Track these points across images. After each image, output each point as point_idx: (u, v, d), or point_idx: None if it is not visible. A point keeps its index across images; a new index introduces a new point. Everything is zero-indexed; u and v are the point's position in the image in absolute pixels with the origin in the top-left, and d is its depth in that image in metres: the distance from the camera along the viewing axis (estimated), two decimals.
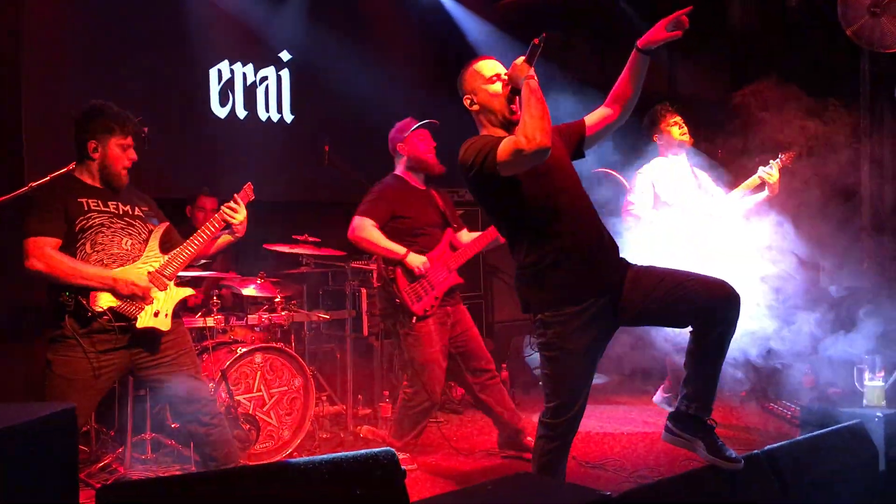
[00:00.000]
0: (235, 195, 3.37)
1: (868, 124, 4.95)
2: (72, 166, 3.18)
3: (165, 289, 3.18)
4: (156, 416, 4.38)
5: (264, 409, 4.30)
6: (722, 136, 5.19)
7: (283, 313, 4.62)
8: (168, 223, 3.38)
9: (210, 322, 4.36)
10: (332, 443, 4.65)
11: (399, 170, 4.26)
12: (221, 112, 5.78)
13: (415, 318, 3.99)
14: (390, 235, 4.05)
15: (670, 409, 4.83)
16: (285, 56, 6.09)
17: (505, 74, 2.78)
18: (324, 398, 4.85)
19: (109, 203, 3.17)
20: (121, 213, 3.19)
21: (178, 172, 5.32)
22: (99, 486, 3.62)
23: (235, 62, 5.83)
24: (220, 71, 5.76)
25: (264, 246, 4.73)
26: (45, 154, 4.57)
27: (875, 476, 3.10)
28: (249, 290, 4.63)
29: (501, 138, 2.64)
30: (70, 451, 2.14)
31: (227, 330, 4.57)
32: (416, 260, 3.99)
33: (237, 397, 4.12)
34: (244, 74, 5.88)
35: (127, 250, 3.13)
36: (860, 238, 4.53)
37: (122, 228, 3.16)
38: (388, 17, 6.62)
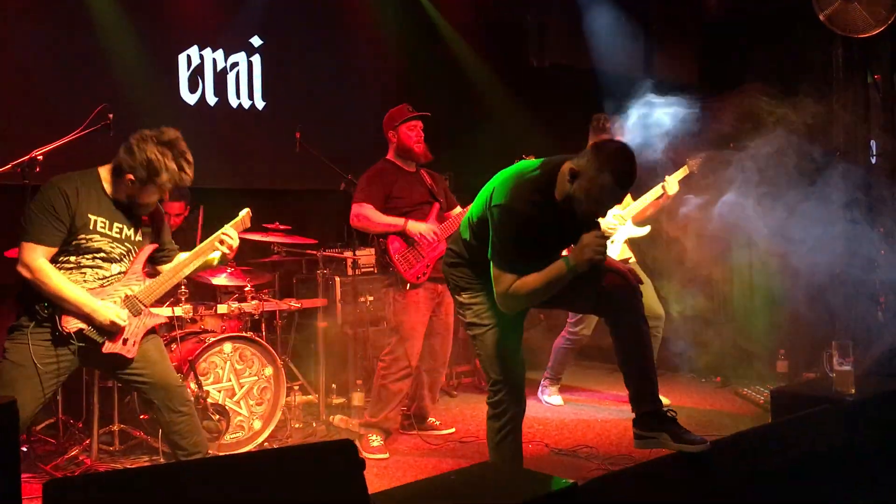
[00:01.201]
0: (231, 224, 3.21)
1: (841, 110, 4.95)
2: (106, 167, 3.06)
3: (139, 315, 3.10)
4: (125, 407, 4.32)
5: (234, 400, 4.25)
6: (693, 123, 5.17)
7: (253, 302, 4.56)
8: (156, 245, 3.25)
9: (179, 311, 4.29)
10: (304, 432, 4.61)
11: (390, 154, 4.47)
12: (191, 98, 5.69)
13: (408, 285, 4.21)
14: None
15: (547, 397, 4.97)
16: (256, 41, 6.00)
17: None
18: (296, 388, 4.80)
19: (115, 224, 3.07)
20: (123, 237, 3.10)
21: None
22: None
23: (205, 48, 5.74)
24: (189, 56, 5.67)
25: None
26: (4, 144, 4.47)
27: (843, 461, 3.11)
28: (220, 279, 4.57)
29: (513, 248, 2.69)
30: (10, 446, 2.06)
31: (196, 319, 4.51)
32: (416, 227, 4.22)
33: (206, 387, 4.06)
34: (214, 60, 5.79)
35: (112, 274, 3.08)
36: (832, 222, 4.54)
37: (120, 255, 3.09)
38: (361, 2, 6.54)
